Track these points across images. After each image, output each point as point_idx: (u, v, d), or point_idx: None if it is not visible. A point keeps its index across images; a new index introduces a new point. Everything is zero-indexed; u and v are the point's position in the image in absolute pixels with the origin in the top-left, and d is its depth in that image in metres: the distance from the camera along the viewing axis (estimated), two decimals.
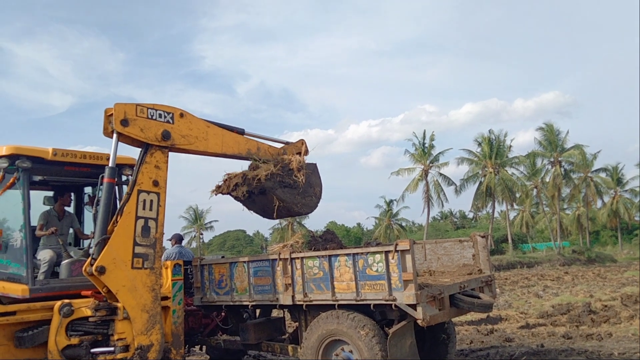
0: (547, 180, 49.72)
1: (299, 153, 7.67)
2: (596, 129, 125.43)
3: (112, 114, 5.98)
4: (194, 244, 67.46)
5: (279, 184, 7.06)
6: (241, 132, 7.29)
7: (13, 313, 5.82)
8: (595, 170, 53.68)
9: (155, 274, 6.07)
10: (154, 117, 6.24)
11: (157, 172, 6.22)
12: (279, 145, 7.77)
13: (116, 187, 6.80)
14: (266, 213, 7.54)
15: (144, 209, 6.04)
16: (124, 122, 5.98)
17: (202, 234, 70.33)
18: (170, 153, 6.45)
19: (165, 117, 6.34)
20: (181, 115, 6.50)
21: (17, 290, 6.14)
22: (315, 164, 7.68)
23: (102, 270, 5.65)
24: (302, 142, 7.81)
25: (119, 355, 5.89)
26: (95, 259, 5.66)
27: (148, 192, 6.10)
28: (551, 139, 48.34)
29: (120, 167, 6.72)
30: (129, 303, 5.84)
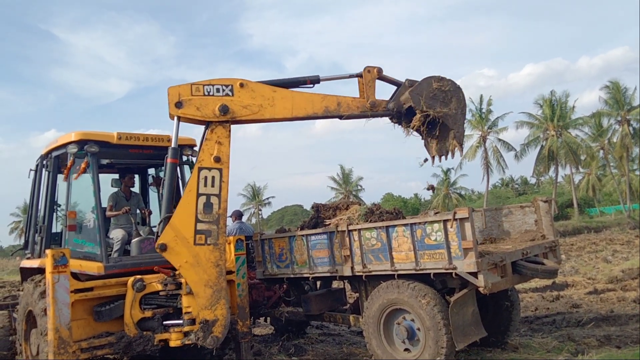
0: (615, 140, 47.31)
1: (380, 77, 6.68)
2: None
3: None
4: (253, 220, 69.01)
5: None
6: (315, 80, 6.65)
7: (91, 289, 6.17)
8: None
9: (219, 249, 6.06)
10: (210, 93, 6.17)
11: (219, 147, 6.16)
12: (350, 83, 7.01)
13: (179, 167, 7.02)
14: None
15: (205, 185, 6.06)
16: (178, 104, 6.05)
17: (260, 210, 71.82)
18: (236, 126, 6.35)
19: (223, 90, 6.22)
20: (241, 85, 6.27)
21: (93, 267, 6.51)
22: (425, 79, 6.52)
23: (163, 248, 5.84)
24: (366, 69, 6.60)
25: (186, 328, 6.10)
26: (159, 237, 5.92)
27: (209, 169, 6.09)
28: (617, 97, 45.72)
29: (181, 148, 6.93)
30: (192, 278, 5.94)
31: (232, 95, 6.23)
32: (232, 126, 6.35)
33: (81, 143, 6.62)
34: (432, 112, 6.35)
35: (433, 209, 7.08)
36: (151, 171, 8.53)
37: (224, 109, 6.13)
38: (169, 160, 6.15)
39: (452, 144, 6.47)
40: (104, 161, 7.53)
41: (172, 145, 6.19)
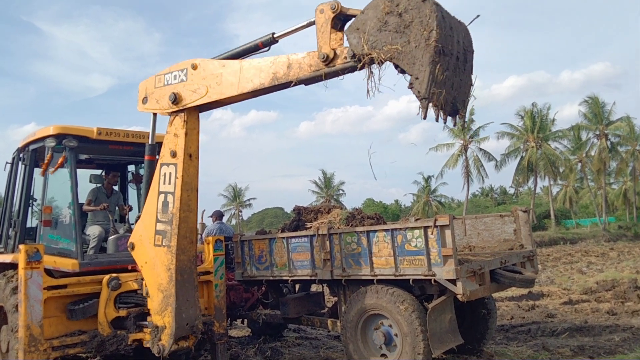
0: (593, 154, 48.17)
1: (340, 15, 4.46)
2: None
3: None
4: (233, 221, 68.65)
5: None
6: (269, 41, 5.04)
7: (64, 286, 6.04)
8: None
9: (171, 252, 5.53)
10: (169, 82, 5.61)
11: (175, 140, 5.58)
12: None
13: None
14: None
15: (164, 183, 5.63)
16: (145, 100, 5.81)
17: (241, 212, 71.45)
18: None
19: (179, 76, 5.55)
20: (193, 66, 5.43)
21: (68, 264, 6.39)
22: None
23: (132, 247, 5.78)
24: (318, 9, 4.52)
25: (150, 330, 5.88)
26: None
27: (168, 165, 5.62)
28: (596, 111, 46.62)
29: (159, 145, 6.82)
30: (149, 280, 5.72)
31: (186, 79, 5.49)
32: (200, 115, 5.72)
33: (60, 137, 6.50)
34: (376, 53, 4.17)
35: (413, 216, 6.98)
36: (131, 168, 8.42)
37: (173, 98, 5.48)
38: (146, 157, 6.03)
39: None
40: (83, 156, 7.40)
41: (150, 142, 6.06)
